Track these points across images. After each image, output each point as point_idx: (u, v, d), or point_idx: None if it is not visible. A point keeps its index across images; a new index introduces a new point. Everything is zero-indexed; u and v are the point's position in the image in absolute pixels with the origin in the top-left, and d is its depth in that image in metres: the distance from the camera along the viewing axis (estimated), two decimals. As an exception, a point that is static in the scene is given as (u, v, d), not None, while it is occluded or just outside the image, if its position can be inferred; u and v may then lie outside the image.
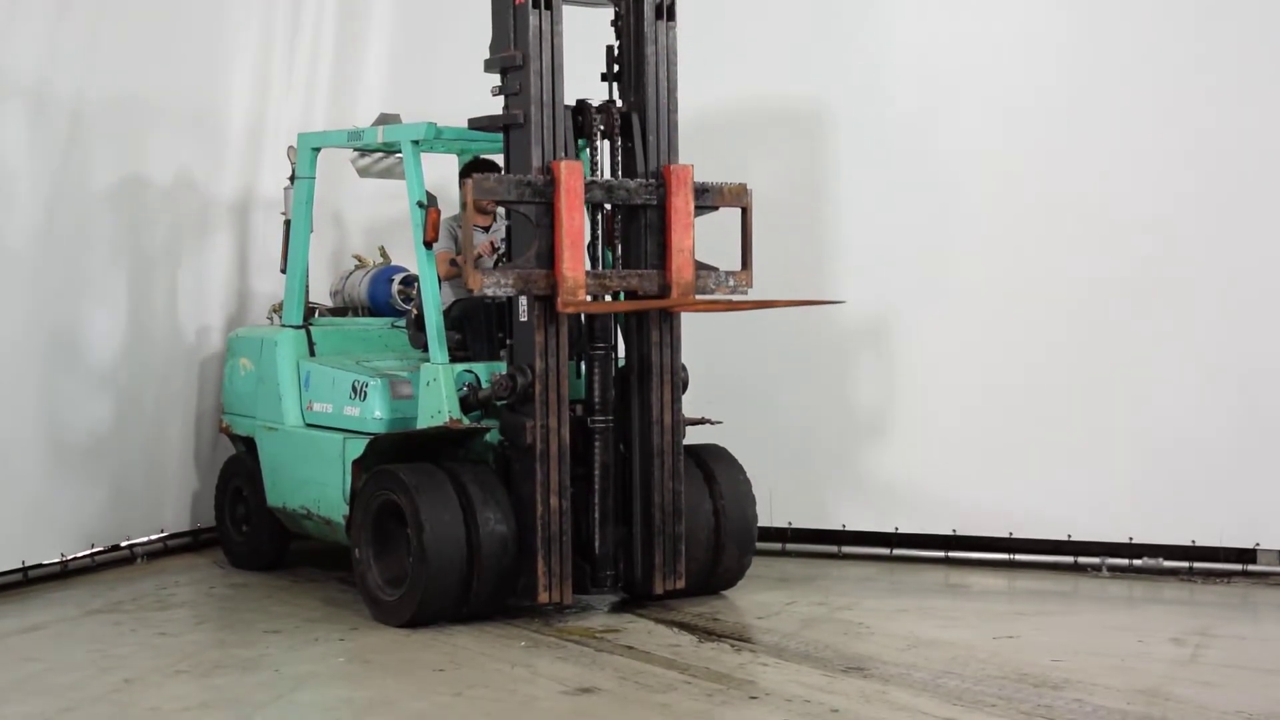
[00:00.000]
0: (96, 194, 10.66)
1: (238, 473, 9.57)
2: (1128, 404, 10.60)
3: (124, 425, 10.69)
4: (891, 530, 11.07)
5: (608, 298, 8.64)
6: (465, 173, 8.79)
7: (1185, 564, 10.32)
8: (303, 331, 8.98)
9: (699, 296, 8.16)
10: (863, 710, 6.86)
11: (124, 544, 10.71)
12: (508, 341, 7.98)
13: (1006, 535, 10.82)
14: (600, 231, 8.46)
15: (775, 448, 10.74)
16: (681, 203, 7.96)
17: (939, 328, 11.07)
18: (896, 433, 10.85)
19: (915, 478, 11.08)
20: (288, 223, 9.24)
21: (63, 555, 10.16)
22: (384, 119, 8.58)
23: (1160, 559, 10.31)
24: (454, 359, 8.24)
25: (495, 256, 8.82)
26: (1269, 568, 10.07)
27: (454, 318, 8.38)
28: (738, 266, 8.52)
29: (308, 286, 9.42)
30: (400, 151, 8.80)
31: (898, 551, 11.08)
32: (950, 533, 10.91)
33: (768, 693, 7.16)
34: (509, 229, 8.01)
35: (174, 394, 11.34)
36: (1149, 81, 10.72)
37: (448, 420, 7.80)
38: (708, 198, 8.14)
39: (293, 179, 9.18)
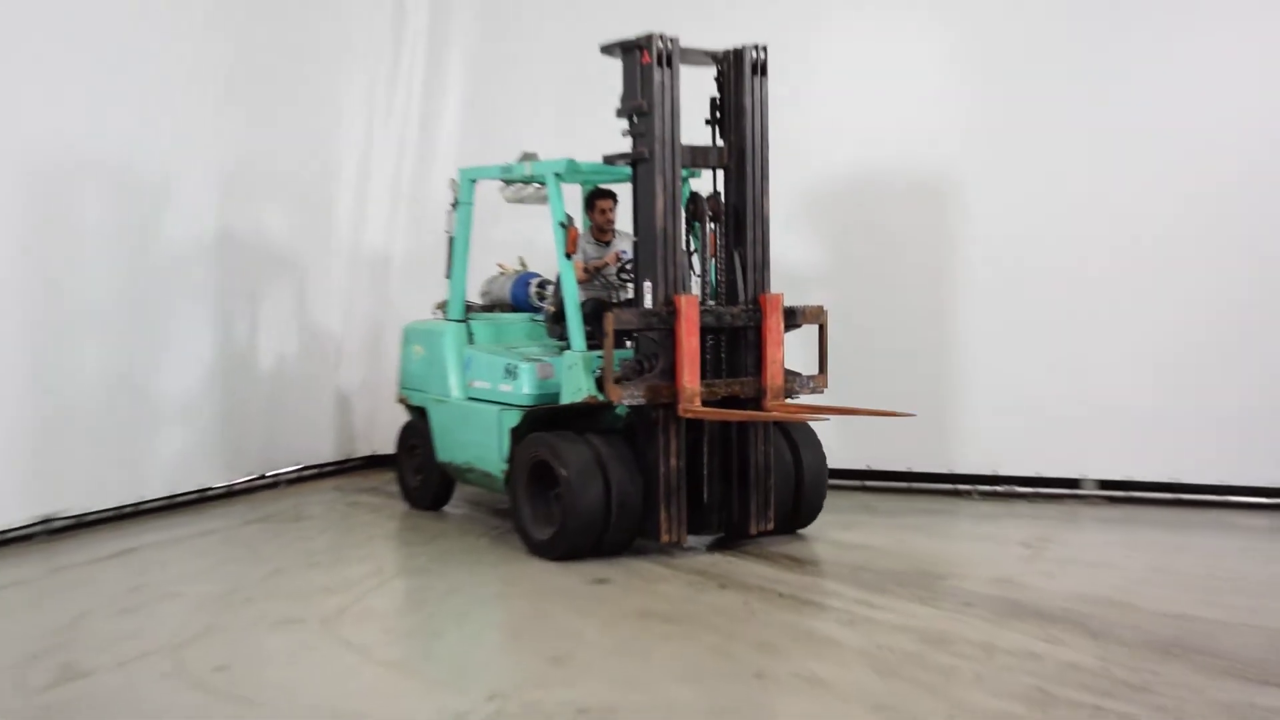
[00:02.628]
0: (254, 245, 10.96)
1: (412, 434, 9.67)
2: (1003, 371, 10.67)
3: (273, 391, 11.24)
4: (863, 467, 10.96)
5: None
6: (589, 198, 9.07)
7: (1032, 489, 10.63)
8: (464, 324, 9.12)
9: (788, 400, 8.13)
10: (809, 594, 7.40)
11: (269, 474, 11.20)
12: (633, 334, 7.91)
13: (906, 469, 10.95)
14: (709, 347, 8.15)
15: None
16: (774, 324, 7.93)
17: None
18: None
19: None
20: (451, 239, 9.24)
21: (228, 481, 10.68)
22: (525, 156, 8.51)
23: (1014, 486, 10.62)
24: (590, 348, 8.19)
25: (620, 269, 8.89)
26: (1089, 492, 10.44)
27: (586, 314, 8.32)
28: (815, 369, 8.45)
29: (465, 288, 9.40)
30: (540, 183, 8.83)
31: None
32: (864, 467, 10.96)
33: (736, 581, 7.58)
34: (636, 246, 7.88)
35: (306, 374, 11.66)
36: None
37: (586, 396, 7.83)
38: (794, 318, 8.15)
39: (454, 205, 9.20)
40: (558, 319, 8.67)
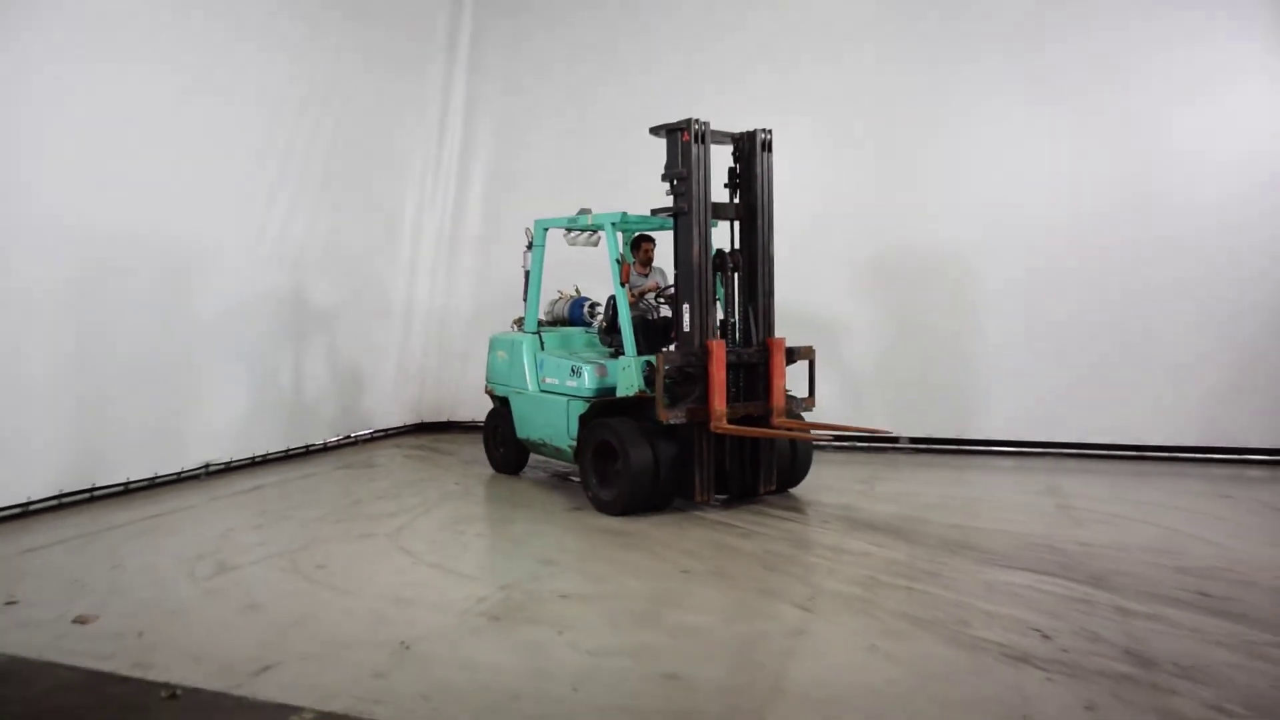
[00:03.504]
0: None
1: (496, 418, 9.39)
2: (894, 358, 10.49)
3: (352, 382, 10.99)
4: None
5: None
6: (635, 241, 8.78)
7: (862, 444, 10.57)
8: (536, 335, 8.89)
9: (788, 419, 7.78)
10: (721, 518, 7.15)
11: (352, 435, 11.05)
12: (674, 344, 7.62)
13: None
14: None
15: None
16: (779, 360, 7.72)
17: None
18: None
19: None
20: (527, 273, 9.02)
21: (324, 440, 10.62)
22: (582, 211, 8.30)
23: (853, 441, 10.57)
24: (619, 354, 8.07)
25: (658, 295, 8.49)
26: (905, 446, 10.46)
27: (638, 326, 8.05)
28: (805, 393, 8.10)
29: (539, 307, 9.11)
30: (596, 230, 8.62)
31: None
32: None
33: (679, 511, 7.30)
34: (676, 277, 7.55)
35: (375, 370, 11.36)
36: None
37: (638, 391, 7.59)
38: (792, 356, 7.88)
39: (529, 247, 8.99)
40: (610, 331, 8.49)
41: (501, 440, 9.38)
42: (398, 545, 6.74)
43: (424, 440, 11.36)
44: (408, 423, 11.90)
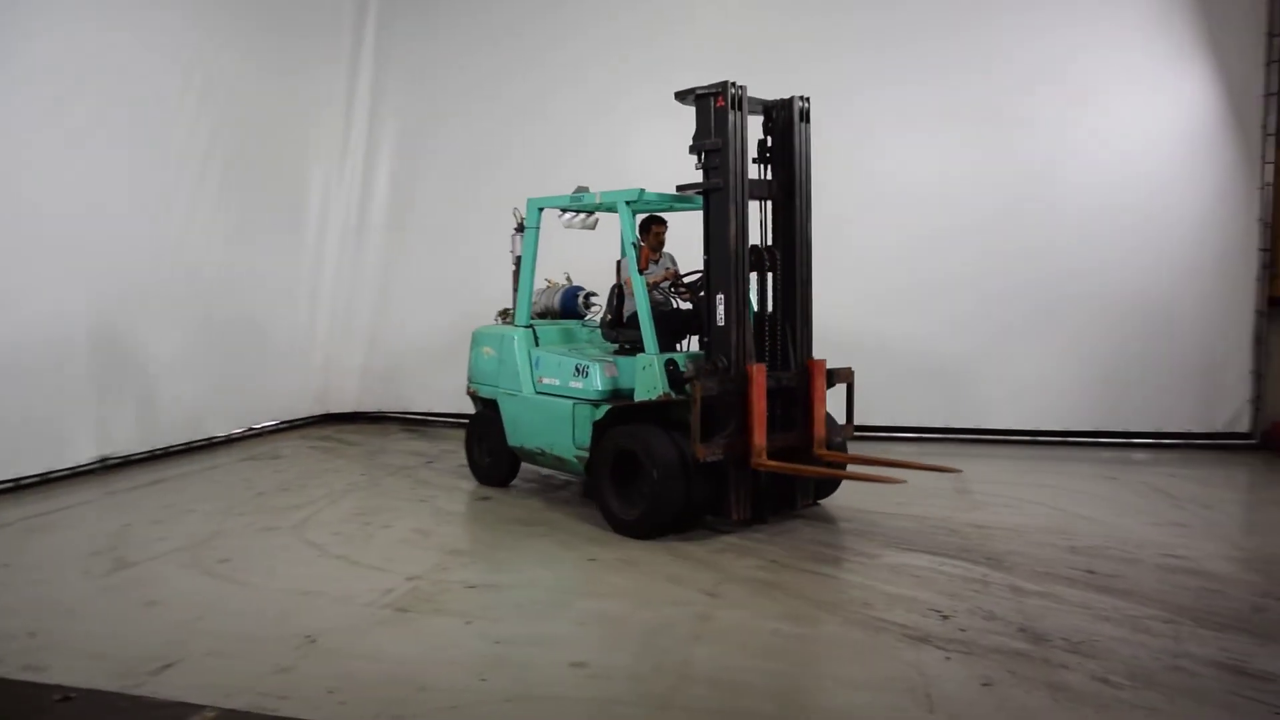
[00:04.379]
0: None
1: (482, 423, 8.29)
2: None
3: (258, 369, 10.72)
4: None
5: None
6: (645, 223, 7.70)
7: None
8: (530, 330, 7.91)
9: (829, 450, 6.88)
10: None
11: (255, 426, 10.85)
12: (704, 339, 6.68)
13: None
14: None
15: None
16: (820, 385, 6.81)
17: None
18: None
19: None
20: (518, 259, 8.10)
21: (227, 432, 10.38)
22: (579, 189, 7.50)
23: None
24: (640, 350, 6.98)
25: (674, 282, 7.61)
26: None
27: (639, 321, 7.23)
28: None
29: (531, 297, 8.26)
30: (592, 211, 7.81)
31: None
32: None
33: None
34: (706, 263, 6.53)
35: (282, 360, 11.12)
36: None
37: (661, 394, 6.60)
38: (832, 378, 6.96)
39: (519, 229, 8.12)
40: (616, 325, 7.63)
41: (488, 448, 8.31)
42: (302, 538, 6.64)
43: (330, 431, 11.19)
44: (314, 413, 11.71)
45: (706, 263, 6.64)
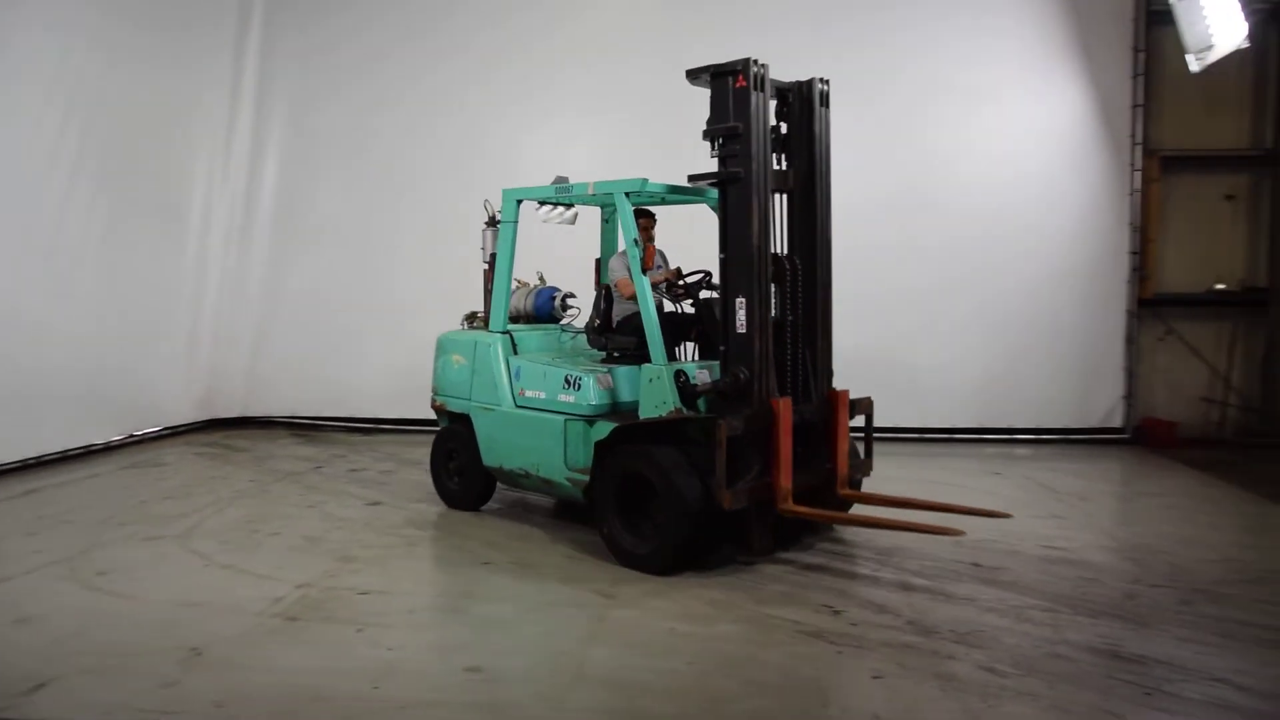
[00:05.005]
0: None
1: (451, 440, 7.46)
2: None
3: (139, 374, 10.26)
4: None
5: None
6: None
7: None
8: (508, 336, 7.13)
9: (851, 490, 6.41)
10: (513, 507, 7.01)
11: (137, 433, 10.40)
12: (721, 348, 5.96)
13: None
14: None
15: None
16: (844, 419, 6.26)
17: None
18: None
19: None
20: (493, 257, 7.35)
21: (106, 440, 9.95)
22: (559, 179, 6.86)
23: None
24: (633, 359, 6.53)
25: (676, 285, 6.70)
26: None
27: (636, 326, 6.49)
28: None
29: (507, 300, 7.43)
30: (572, 205, 7.21)
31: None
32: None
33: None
34: (724, 264, 5.84)
35: (162, 363, 10.67)
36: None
37: (672, 411, 5.89)
38: (853, 408, 6.40)
39: (491, 224, 7.48)
40: (605, 330, 6.96)
41: (458, 468, 7.50)
42: (188, 547, 6.44)
43: (216, 437, 10.87)
44: (199, 419, 11.34)
45: (723, 261, 5.97)
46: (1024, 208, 10.34)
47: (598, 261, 7.76)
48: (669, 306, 6.98)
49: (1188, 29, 9.51)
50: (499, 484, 7.42)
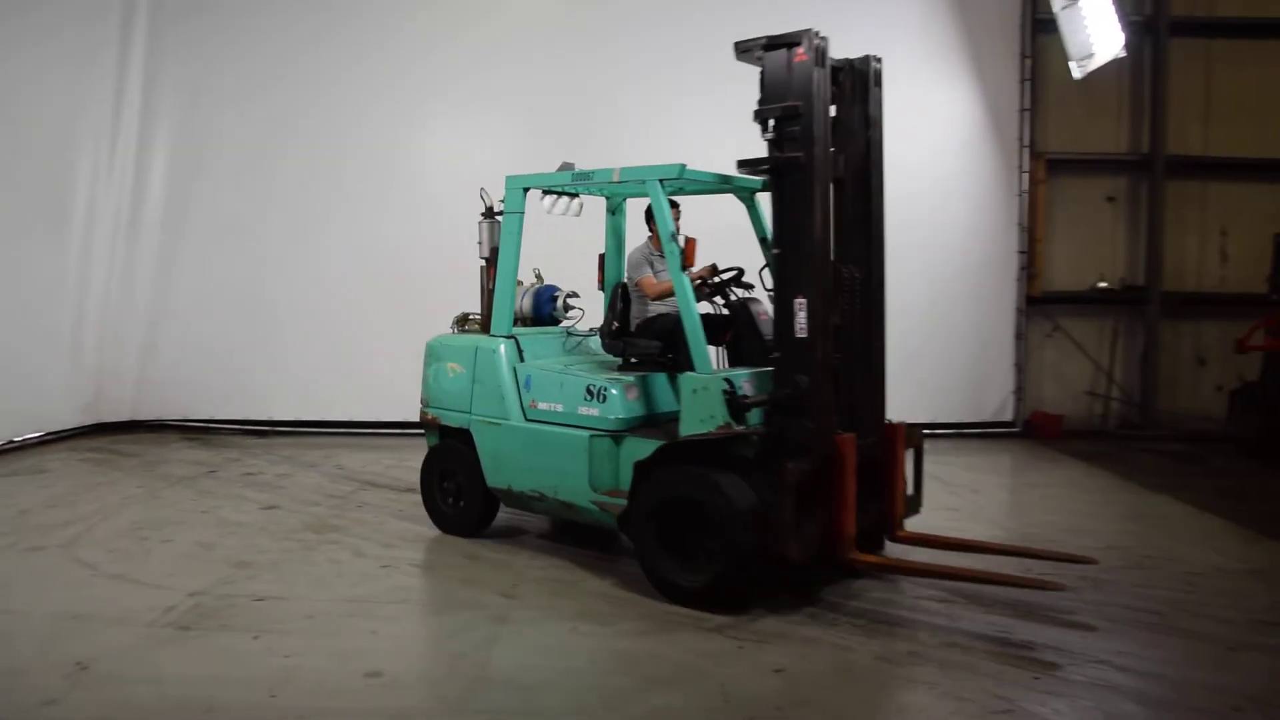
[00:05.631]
0: None
1: (446, 458, 6.73)
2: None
3: (17, 376, 9.66)
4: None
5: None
6: (648, 216, 6.41)
7: None
8: (513, 341, 6.42)
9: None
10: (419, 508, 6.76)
11: (16, 438, 9.84)
12: (774, 354, 5.32)
13: None
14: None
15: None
16: (901, 453, 5.66)
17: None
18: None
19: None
20: (493, 251, 6.65)
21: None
22: (565, 165, 6.32)
23: None
24: (654, 366, 6.00)
25: (716, 279, 6.09)
26: None
27: (660, 329, 6.05)
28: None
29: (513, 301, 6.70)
30: (574, 194, 6.51)
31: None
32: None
33: (373, 505, 6.80)
34: (777, 259, 5.21)
35: (43, 364, 10.13)
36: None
37: (721, 427, 5.21)
38: (907, 440, 5.73)
39: (489, 215, 6.74)
40: (620, 333, 6.34)
41: (455, 489, 6.76)
42: (73, 557, 6.20)
43: (103, 441, 10.49)
44: (84, 424, 10.96)
45: (777, 257, 5.36)
46: (917, 208, 10.44)
47: (601, 257, 7.11)
48: (716, 308, 6.30)
49: (1071, 37, 9.88)
50: (503, 506, 6.74)
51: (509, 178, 6.55)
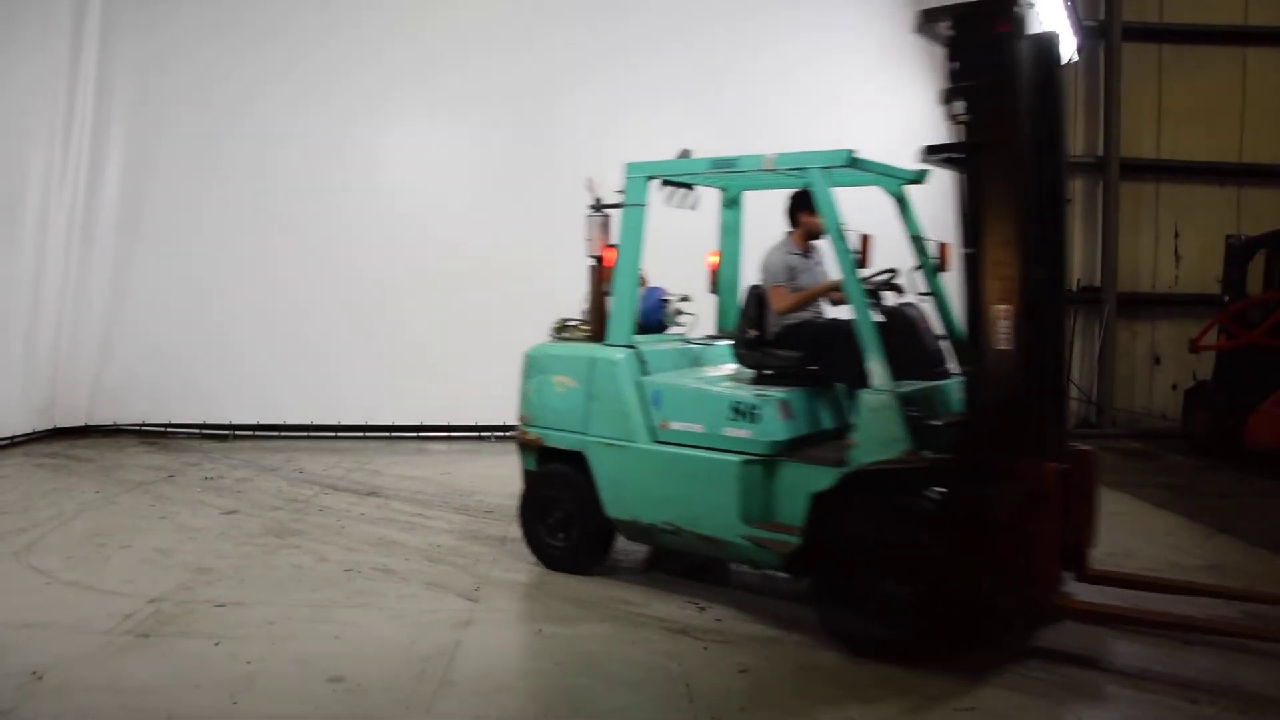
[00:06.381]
0: None
1: (551, 484, 5.96)
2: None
3: None
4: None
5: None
6: (803, 202, 5.67)
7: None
8: (634, 351, 5.65)
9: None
10: (380, 513, 7.26)
11: None
12: (966, 368, 4.79)
13: (445, 422, 10.45)
14: None
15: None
16: (1094, 481, 4.90)
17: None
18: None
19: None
20: (611, 247, 5.81)
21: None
22: (683, 153, 5.75)
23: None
24: (794, 379, 5.34)
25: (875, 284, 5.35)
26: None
27: (808, 337, 5.43)
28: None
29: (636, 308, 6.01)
30: (693, 186, 5.95)
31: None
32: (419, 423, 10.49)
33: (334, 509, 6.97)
34: (970, 261, 4.50)
35: (4, 367, 9.90)
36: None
37: (905, 453, 4.57)
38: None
39: (598, 208, 5.91)
40: (757, 343, 5.64)
41: (565, 520, 5.93)
42: (27, 564, 6.07)
43: (58, 447, 10.30)
44: (38, 429, 10.78)
45: (970, 257, 4.64)
46: (874, 210, 10.60)
47: (714, 255, 6.44)
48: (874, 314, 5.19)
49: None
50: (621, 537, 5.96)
51: (629, 165, 5.83)
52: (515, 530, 6.66)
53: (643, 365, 5.68)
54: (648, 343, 5.91)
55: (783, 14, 10.59)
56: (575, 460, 5.86)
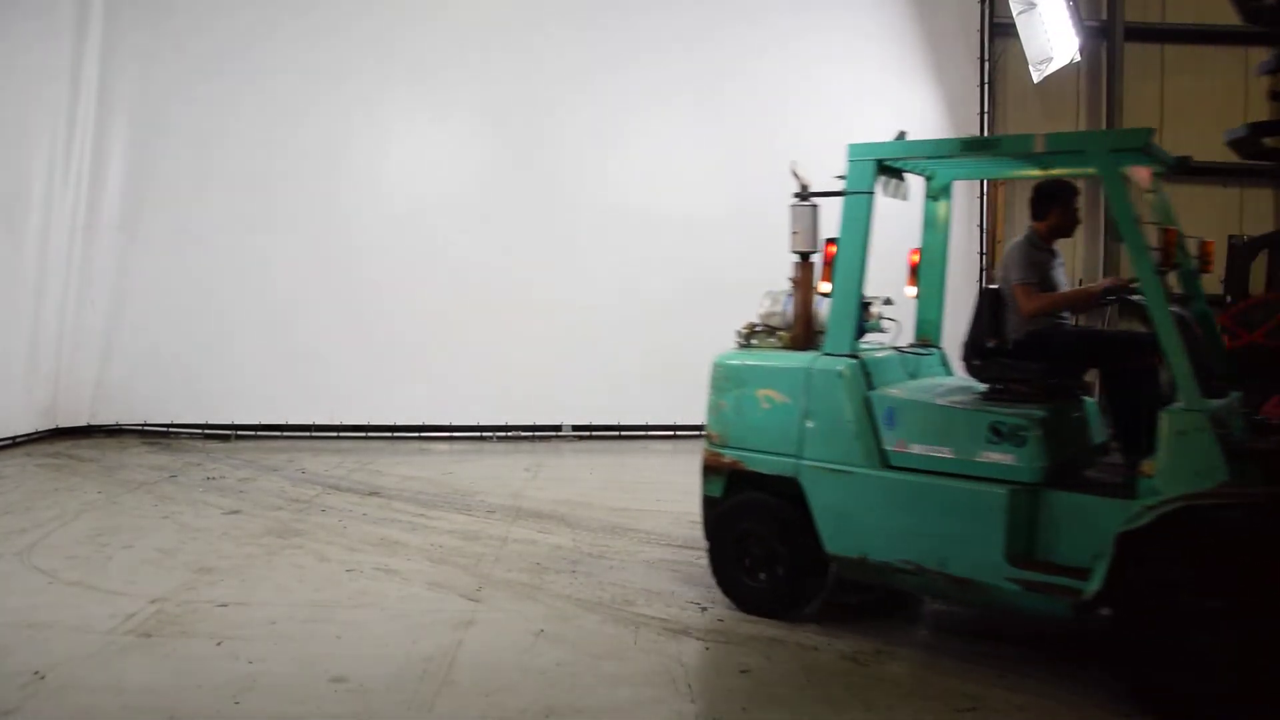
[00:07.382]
0: None
1: (749, 515, 5.18)
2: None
3: None
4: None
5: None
6: (1053, 193, 5.25)
7: (528, 434, 10.47)
8: (858, 362, 4.96)
9: None
10: (383, 513, 7.27)
11: None
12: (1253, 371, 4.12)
13: (447, 423, 10.41)
14: None
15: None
16: None
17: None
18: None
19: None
20: (826, 242, 5.17)
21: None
22: (900, 135, 5.27)
23: (519, 432, 10.42)
24: (1036, 395, 4.72)
25: (1114, 298, 5.22)
26: (565, 434, 10.48)
27: (1059, 346, 4.94)
28: None
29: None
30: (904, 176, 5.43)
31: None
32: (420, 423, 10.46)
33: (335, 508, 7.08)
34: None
35: (8, 368, 9.91)
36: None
37: (1224, 484, 3.93)
38: None
39: (804, 196, 5.39)
40: (993, 352, 5.07)
41: (770, 556, 5.14)
42: (29, 564, 6.07)
43: (61, 447, 10.30)
44: (40, 429, 10.77)
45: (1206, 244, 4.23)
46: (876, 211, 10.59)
47: (914, 254, 5.86)
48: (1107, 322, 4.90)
49: (1029, 41, 10.03)
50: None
51: (853, 146, 5.15)
52: (517, 531, 6.70)
53: (868, 378, 4.98)
54: (868, 352, 5.24)
55: (785, 20, 10.57)
56: (781, 486, 5.12)
